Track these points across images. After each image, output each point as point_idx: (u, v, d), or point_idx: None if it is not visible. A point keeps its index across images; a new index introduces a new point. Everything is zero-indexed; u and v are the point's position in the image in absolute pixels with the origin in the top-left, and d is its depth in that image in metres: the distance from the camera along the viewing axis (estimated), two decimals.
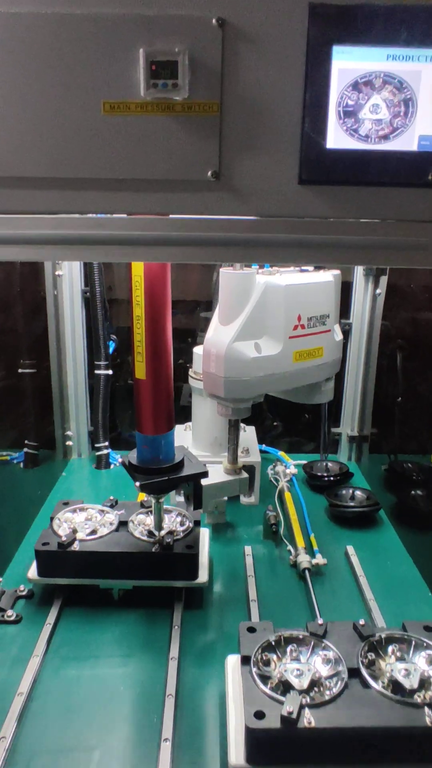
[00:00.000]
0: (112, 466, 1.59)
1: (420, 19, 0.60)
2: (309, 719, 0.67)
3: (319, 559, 1.13)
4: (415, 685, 0.72)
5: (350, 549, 1.20)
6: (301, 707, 0.67)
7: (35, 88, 0.60)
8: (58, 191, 0.64)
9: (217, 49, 0.61)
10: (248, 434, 1.49)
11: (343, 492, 1.39)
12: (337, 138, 0.63)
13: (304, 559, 1.12)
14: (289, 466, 1.51)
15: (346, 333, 1.56)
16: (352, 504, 1.34)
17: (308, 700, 0.69)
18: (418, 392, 1.63)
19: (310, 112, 0.63)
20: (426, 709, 0.69)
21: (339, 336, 1.10)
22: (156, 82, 0.61)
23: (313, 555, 1.14)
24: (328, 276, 1.03)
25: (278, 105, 0.63)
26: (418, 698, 0.71)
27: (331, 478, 1.47)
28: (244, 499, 1.39)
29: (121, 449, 1.64)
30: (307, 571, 1.10)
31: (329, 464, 1.54)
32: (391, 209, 0.66)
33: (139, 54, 0.60)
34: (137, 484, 0.90)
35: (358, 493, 1.39)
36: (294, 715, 0.66)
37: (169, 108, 0.62)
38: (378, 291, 1.48)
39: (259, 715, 0.67)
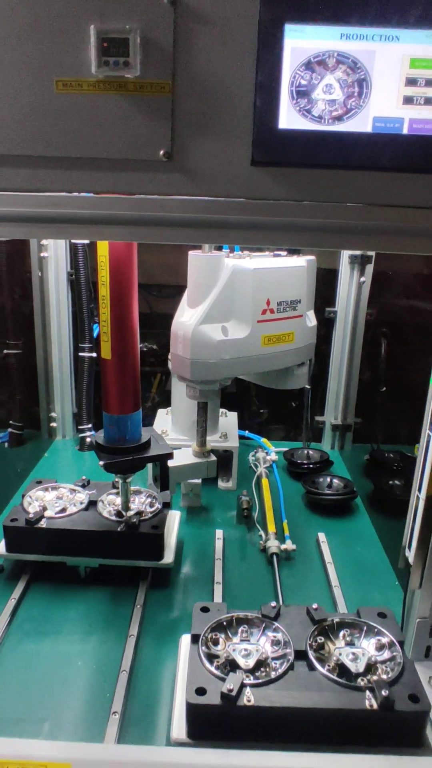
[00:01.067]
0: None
1: None
2: (249, 697, 0.68)
3: (289, 545, 1.14)
4: (361, 669, 0.73)
5: (321, 536, 1.21)
6: (243, 686, 0.68)
7: None
8: (12, 169, 0.64)
9: (169, 28, 0.60)
10: (229, 419, 1.49)
11: (321, 480, 1.39)
12: (289, 118, 0.63)
13: (273, 544, 1.13)
14: (270, 453, 1.52)
15: (331, 321, 1.56)
16: (328, 492, 1.35)
17: (252, 679, 0.70)
18: (403, 381, 1.62)
19: (262, 92, 0.62)
20: (367, 692, 0.69)
21: (312, 322, 1.09)
22: (107, 60, 0.61)
23: (283, 540, 1.15)
24: (301, 261, 1.03)
25: (230, 85, 0.62)
26: (361, 682, 0.71)
27: (311, 466, 1.47)
28: (221, 484, 1.39)
29: None
30: (275, 556, 1.11)
31: (310, 452, 1.54)
32: (344, 192, 0.65)
33: (91, 31, 0.60)
34: (101, 463, 0.91)
35: (335, 481, 1.39)
36: (234, 693, 0.67)
37: (121, 86, 0.62)
38: (363, 279, 1.47)
39: (201, 691, 0.68)
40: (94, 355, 1.55)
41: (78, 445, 1.60)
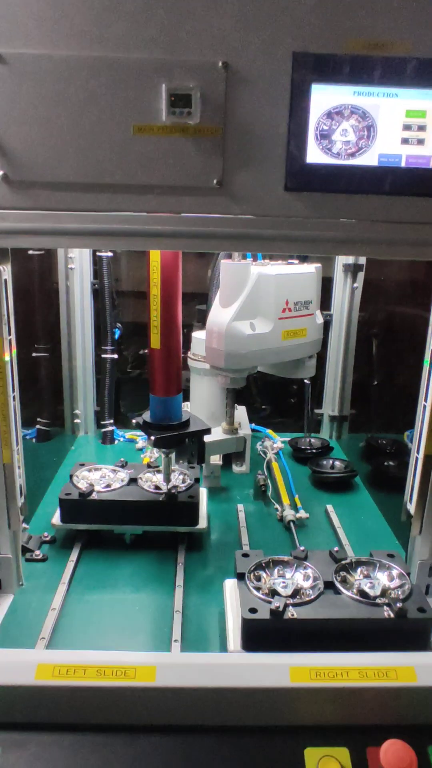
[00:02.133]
0: (116, 442, 1.75)
1: (378, 65, 0.78)
2: (292, 613, 0.84)
3: (302, 514, 1.31)
4: (378, 593, 0.90)
5: (329, 507, 1.38)
6: (286, 605, 0.85)
7: (85, 114, 0.78)
8: (99, 194, 0.81)
9: (222, 86, 0.78)
10: (240, 412, 1.66)
11: (324, 462, 1.57)
12: (314, 155, 0.81)
13: (289, 513, 1.30)
14: (276, 442, 1.69)
15: (328, 323, 1.74)
16: (331, 471, 1.52)
17: (292, 601, 0.87)
18: (392, 376, 1.82)
19: (294, 135, 0.80)
20: (385, 607, 0.87)
21: (320, 319, 1.28)
22: (174, 110, 0.79)
23: (297, 510, 1.32)
24: (311, 268, 1.22)
25: (269, 129, 0.80)
26: (379, 601, 0.89)
27: (314, 451, 1.65)
28: (236, 468, 1.56)
29: (125, 428, 1.81)
30: (292, 523, 1.28)
31: (312, 440, 1.72)
32: (356, 211, 0.84)
33: (162, 89, 0.78)
34: (151, 438, 1.07)
35: (337, 462, 1.57)
36: (280, 609, 0.84)
37: (184, 130, 0.80)
38: (355, 285, 1.66)
39: (253, 610, 0.85)
40: (116, 357, 1.71)
41: (101, 439, 1.75)
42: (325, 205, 0.84)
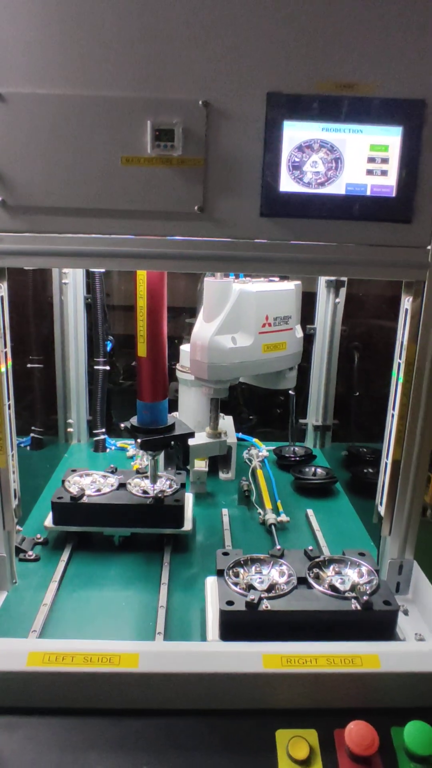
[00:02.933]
0: (108, 450, 1.82)
1: (344, 104, 0.86)
2: (266, 605, 0.91)
3: (283, 518, 1.37)
4: (348, 588, 0.97)
5: (310, 511, 1.45)
6: (261, 598, 0.92)
7: (77, 146, 0.85)
8: (90, 218, 0.89)
9: (203, 122, 0.86)
10: (227, 421, 1.73)
11: (307, 469, 1.64)
12: (287, 184, 0.89)
13: (270, 517, 1.36)
14: (261, 450, 1.76)
15: (311, 336, 1.82)
16: (313, 477, 1.59)
17: (267, 595, 0.94)
18: (373, 387, 1.89)
19: (268, 166, 0.88)
20: (353, 600, 0.93)
21: (299, 333, 1.35)
22: (159, 143, 0.87)
23: (278, 514, 1.39)
24: (291, 285, 1.30)
25: (245, 160, 0.88)
26: (348, 595, 0.95)
27: (297, 459, 1.72)
28: (222, 475, 1.62)
29: (116, 437, 1.87)
30: (273, 526, 1.34)
31: (296, 448, 1.79)
32: (326, 235, 0.91)
33: (147, 124, 0.85)
34: (138, 441, 1.14)
35: (319, 470, 1.64)
36: (255, 602, 0.90)
37: (168, 161, 0.87)
38: (337, 300, 1.74)
39: (230, 603, 0.91)
40: (107, 368, 1.78)
41: (93, 447, 1.82)
42: (297, 229, 0.91)
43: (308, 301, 1.81)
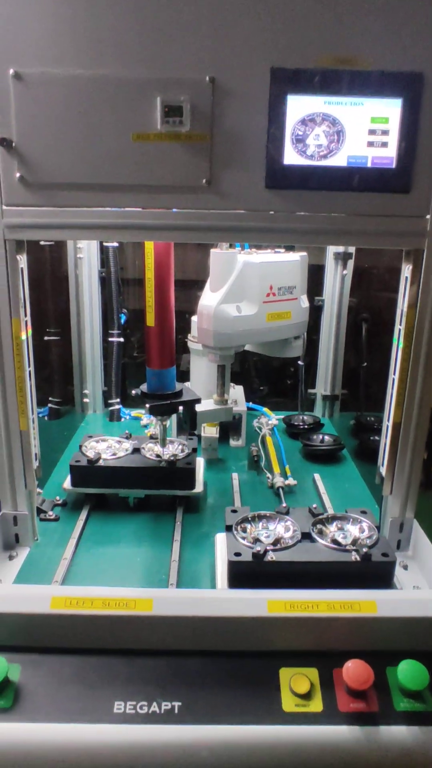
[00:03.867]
0: (122, 420, 1.89)
1: (345, 78, 0.89)
2: (272, 557, 0.97)
3: (291, 481, 1.43)
4: (349, 542, 1.03)
5: (317, 476, 1.51)
6: (266, 550, 0.98)
7: (90, 124, 0.90)
8: (103, 192, 0.93)
9: (209, 98, 0.90)
10: (237, 391, 1.79)
11: (315, 437, 1.69)
12: (291, 157, 0.93)
13: (278, 480, 1.42)
14: (270, 419, 1.81)
15: (320, 308, 1.86)
16: (321, 444, 1.65)
17: (272, 547, 1.00)
18: (381, 358, 1.93)
19: (272, 139, 0.92)
20: (353, 552, 0.99)
21: (305, 303, 1.40)
22: (168, 120, 0.91)
23: (286, 478, 1.45)
24: (296, 256, 1.34)
25: (250, 134, 0.92)
26: (349, 548, 1.01)
27: (306, 427, 1.77)
28: (232, 442, 1.68)
29: (130, 407, 1.94)
30: (280, 489, 1.40)
31: (305, 417, 1.84)
32: (328, 206, 0.95)
33: (157, 101, 0.89)
34: (147, 405, 1.20)
35: (326, 437, 1.69)
36: (261, 553, 0.96)
37: (176, 137, 0.92)
38: (345, 272, 1.78)
39: (237, 554, 0.98)
40: (122, 340, 1.84)
41: (108, 416, 1.89)
42: (300, 200, 0.95)
43: (317, 273, 1.85)
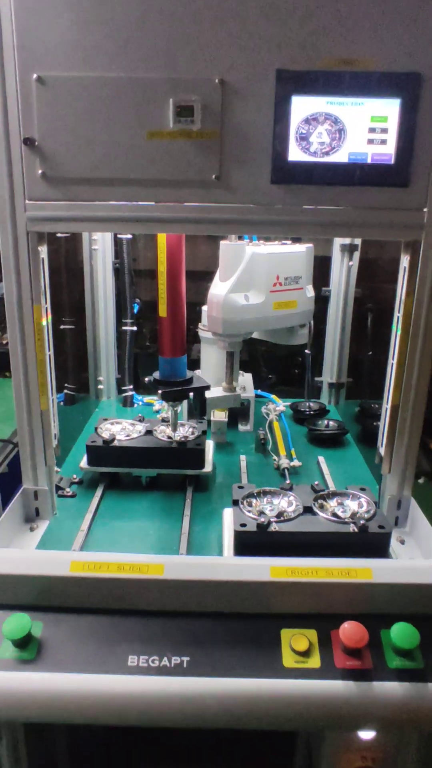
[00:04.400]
0: (135, 405, 1.96)
1: (346, 80, 0.95)
2: (275, 527, 1.04)
3: (296, 462, 1.50)
4: (348, 516, 1.10)
5: (321, 458, 1.57)
6: (270, 521, 1.05)
7: (107, 123, 0.97)
8: (119, 187, 1.00)
9: (219, 98, 0.96)
10: (246, 378, 1.85)
11: (320, 422, 1.76)
12: (295, 153, 0.99)
13: (284, 462, 1.49)
14: (278, 405, 1.88)
15: (326, 299, 1.91)
16: (325, 429, 1.71)
17: (275, 519, 1.07)
18: (386, 347, 1.98)
19: (278, 137, 0.98)
20: (351, 524, 1.06)
21: (310, 293, 1.46)
22: (180, 119, 0.97)
23: (291, 460, 1.51)
24: (302, 248, 1.40)
25: (257, 132, 0.98)
26: (347, 520, 1.08)
27: (312, 413, 1.84)
28: (241, 427, 1.75)
29: (144, 393, 2.01)
30: (286, 470, 1.47)
31: (311, 404, 1.90)
32: (331, 200, 1.02)
33: (170, 102, 0.96)
34: (159, 391, 1.27)
35: (331, 422, 1.75)
36: (265, 523, 1.04)
37: (188, 135, 0.98)
38: (351, 263, 1.83)
39: (243, 525, 1.05)
40: (134, 329, 1.91)
41: (122, 402, 1.96)
42: (304, 195, 1.02)
43: (323, 265, 1.91)
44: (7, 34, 0.94)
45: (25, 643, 0.93)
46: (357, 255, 1.84)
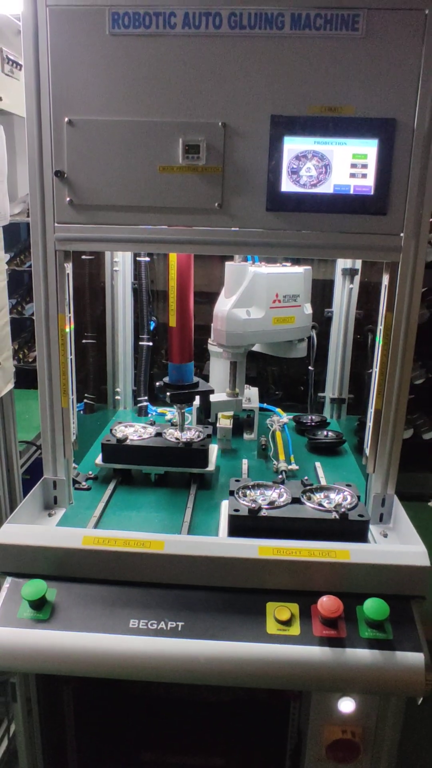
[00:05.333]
0: (149, 415, 2.11)
1: (331, 124, 1.11)
2: (265, 513, 1.17)
3: (293, 466, 1.62)
4: (332, 506, 1.22)
5: (318, 464, 1.69)
6: (261, 507, 1.18)
7: (126, 159, 1.13)
8: (135, 213, 1.16)
9: (221, 139, 1.12)
10: (252, 392, 1.99)
11: (319, 432, 1.88)
12: (287, 185, 1.14)
13: (282, 465, 1.61)
14: (282, 417, 2.01)
15: (329, 319, 2.05)
16: (324, 438, 1.83)
17: (266, 506, 1.19)
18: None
19: (272, 172, 1.14)
20: (334, 513, 1.18)
21: (308, 311, 1.60)
22: (188, 156, 1.13)
23: (289, 464, 1.64)
24: (300, 269, 1.55)
25: (254, 168, 1.14)
26: (331, 509, 1.20)
27: (313, 424, 1.96)
28: (246, 436, 1.88)
29: (158, 405, 2.16)
30: (284, 473, 1.59)
31: (313, 417, 2.03)
32: (319, 225, 1.16)
33: (180, 141, 1.13)
34: (168, 394, 1.42)
35: (330, 433, 1.87)
36: (256, 509, 1.16)
37: (194, 169, 1.14)
38: (351, 286, 1.97)
39: (236, 510, 1.18)
40: (150, 344, 2.07)
41: (137, 412, 2.11)
42: (295, 221, 1.17)
43: (326, 288, 2.05)
44: (44, 84, 1.12)
45: (40, 605, 1.07)
46: (357, 278, 1.98)
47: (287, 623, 1.05)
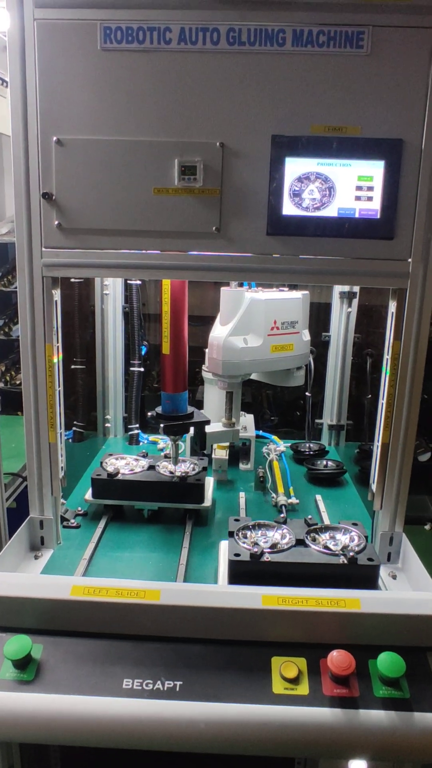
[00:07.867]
0: (141, 443, 2.02)
1: (335, 144, 1.05)
2: (268, 557, 1.09)
3: (293, 500, 1.54)
4: (339, 549, 1.14)
5: (318, 497, 1.62)
6: (263, 552, 1.10)
7: (119, 180, 1.07)
8: (128, 237, 1.10)
9: (219, 159, 1.06)
10: (248, 419, 1.91)
11: (319, 462, 1.80)
12: (289, 208, 1.08)
13: (281, 499, 1.54)
14: (279, 445, 1.93)
15: (327, 343, 1.99)
16: (324, 468, 1.76)
17: (268, 550, 1.11)
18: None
19: (273, 194, 1.08)
20: (342, 557, 1.10)
21: (306, 337, 1.54)
22: (184, 177, 1.07)
23: (289, 497, 1.56)
24: (298, 294, 1.49)
25: (254, 190, 1.08)
26: (338, 553, 1.12)
27: (312, 453, 1.89)
28: (242, 466, 1.80)
29: (149, 432, 2.08)
30: (283, 507, 1.52)
31: (311, 445, 1.96)
32: (322, 250, 1.10)
33: (175, 162, 1.06)
34: (162, 425, 1.34)
35: (330, 463, 1.80)
36: (258, 553, 1.08)
37: (191, 191, 1.08)
38: (349, 309, 1.92)
39: (237, 554, 1.09)
40: (142, 369, 1.99)
41: (128, 441, 2.03)
42: (297, 246, 1.10)
43: (324, 311, 1.99)
44: (31, 101, 1.05)
45: (24, 664, 0.97)
46: (356, 302, 1.92)
47: (295, 681, 0.96)
